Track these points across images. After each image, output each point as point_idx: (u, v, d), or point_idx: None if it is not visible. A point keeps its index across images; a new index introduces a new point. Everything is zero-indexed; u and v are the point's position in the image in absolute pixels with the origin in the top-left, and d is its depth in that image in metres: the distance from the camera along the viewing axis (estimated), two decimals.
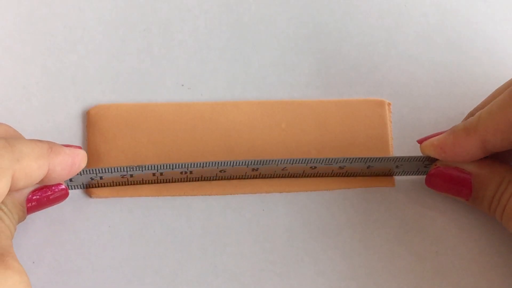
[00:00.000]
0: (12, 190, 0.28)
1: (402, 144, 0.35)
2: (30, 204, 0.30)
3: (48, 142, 0.29)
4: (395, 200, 0.34)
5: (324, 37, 0.37)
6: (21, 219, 0.30)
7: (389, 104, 0.36)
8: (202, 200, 0.34)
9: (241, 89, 0.36)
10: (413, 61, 0.37)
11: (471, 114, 0.33)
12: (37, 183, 0.29)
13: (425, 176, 0.33)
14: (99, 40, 0.36)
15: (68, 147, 0.30)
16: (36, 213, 0.33)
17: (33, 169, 0.28)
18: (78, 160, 0.30)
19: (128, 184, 0.33)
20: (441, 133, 0.32)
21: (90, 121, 0.35)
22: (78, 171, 0.30)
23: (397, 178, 0.35)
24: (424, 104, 0.36)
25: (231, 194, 0.34)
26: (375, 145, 0.35)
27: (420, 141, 0.33)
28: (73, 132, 0.34)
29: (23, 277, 0.26)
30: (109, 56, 0.36)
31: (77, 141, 0.34)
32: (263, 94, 0.36)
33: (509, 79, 0.32)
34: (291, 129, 0.35)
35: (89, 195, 0.33)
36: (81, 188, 0.33)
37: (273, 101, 0.36)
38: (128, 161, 0.34)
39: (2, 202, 0.29)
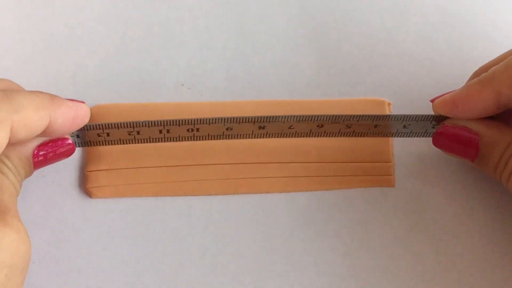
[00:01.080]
0: (13, 142, 0.28)
1: (402, 144, 0.35)
2: (36, 159, 0.30)
3: (50, 94, 0.29)
4: (395, 200, 0.34)
5: (324, 37, 0.37)
6: (28, 174, 0.30)
7: (389, 104, 0.36)
8: (202, 200, 0.34)
9: (241, 89, 0.36)
10: (413, 61, 0.37)
11: (476, 73, 0.33)
12: (39, 135, 0.29)
13: (431, 137, 0.33)
14: (99, 40, 0.36)
15: (71, 101, 0.30)
16: (36, 213, 0.33)
17: (33, 120, 0.27)
18: (81, 113, 0.30)
19: (135, 142, 0.32)
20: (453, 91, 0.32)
21: (90, 121, 0.34)
22: (81, 125, 0.30)
23: (397, 178, 0.35)
24: (424, 104, 0.36)
25: (231, 194, 0.34)
26: (376, 145, 0.35)
27: (432, 100, 0.32)
28: None
29: (22, 235, 0.26)
30: (109, 56, 0.36)
31: None
32: (263, 94, 0.36)
33: None
34: None
35: (89, 195, 0.33)
36: (88, 145, 0.32)
37: (273, 101, 0.36)
38: (128, 161, 0.34)
39: (8, 158, 0.29)
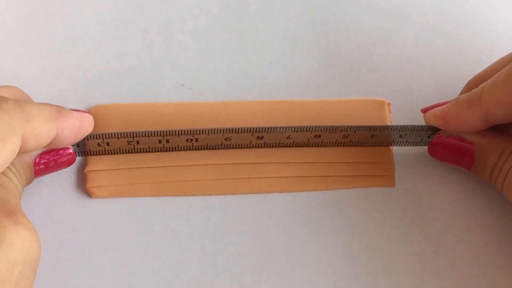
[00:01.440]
0: (22, 151, 0.28)
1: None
2: (38, 167, 0.30)
3: (57, 106, 0.30)
4: (395, 200, 0.34)
5: (324, 37, 0.37)
6: (29, 181, 0.31)
7: (389, 104, 0.36)
8: (202, 200, 0.34)
9: (241, 89, 0.36)
10: (413, 61, 0.37)
11: (470, 83, 0.33)
12: (45, 146, 0.30)
13: (427, 147, 0.33)
14: (99, 40, 0.36)
15: (75, 111, 0.31)
16: (36, 213, 0.33)
17: (42, 130, 0.28)
18: (86, 123, 0.31)
19: (134, 152, 0.33)
20: (444, 103, 0.32)
21: None
22: (85, 135, 0.31)
23: (397, 178, 0.35)
24: (424, 104, 0.36)
25: (231, 194, 0.34)
26: (375, 144, 0.35)
27: (423, 111, 0.33)
28: None
29: (33, 233, 0.27)
30: (109, 56, 0.36)
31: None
32: (263, 94, 0.36)
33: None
34: None
35: (89, 195, 0.33)
36: (88, 154, 0.33)
37: (273, 101, 0.36)
38: (128, 161, 0.34)
39: (11, 164, 0.29)
